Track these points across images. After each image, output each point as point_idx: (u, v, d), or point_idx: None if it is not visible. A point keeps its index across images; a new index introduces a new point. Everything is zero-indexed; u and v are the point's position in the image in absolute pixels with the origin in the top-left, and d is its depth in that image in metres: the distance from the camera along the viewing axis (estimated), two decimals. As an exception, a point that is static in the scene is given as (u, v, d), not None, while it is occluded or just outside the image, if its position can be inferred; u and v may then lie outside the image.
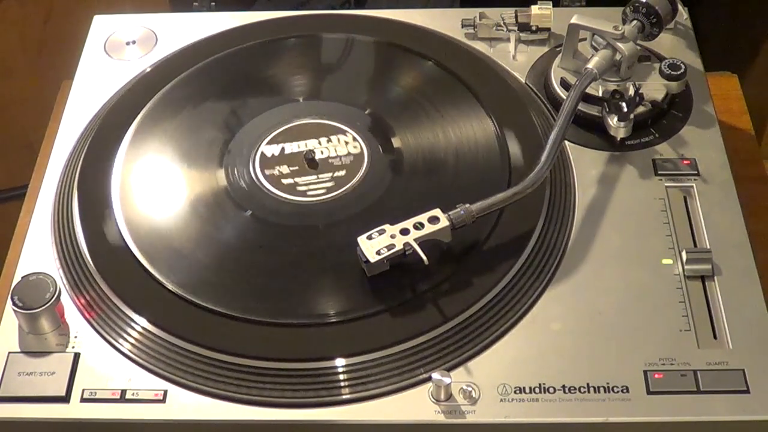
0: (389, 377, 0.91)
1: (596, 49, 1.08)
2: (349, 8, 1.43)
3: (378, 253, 0.94)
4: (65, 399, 0.91)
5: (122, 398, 0.91)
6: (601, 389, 0.90)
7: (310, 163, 1.06)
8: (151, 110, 1.11)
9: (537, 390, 0.90)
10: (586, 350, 0.92)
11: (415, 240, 0.94)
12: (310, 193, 1.03)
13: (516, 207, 0.99)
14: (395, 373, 0.91)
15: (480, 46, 1.17)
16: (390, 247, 0.94)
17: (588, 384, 0.90)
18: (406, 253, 0.94)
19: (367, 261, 0.94)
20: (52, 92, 1.26)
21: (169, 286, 0.96)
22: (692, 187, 1.03)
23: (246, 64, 1.16)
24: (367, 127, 1.09)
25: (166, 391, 0.91)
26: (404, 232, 0.95)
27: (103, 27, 1.22)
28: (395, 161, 1.06)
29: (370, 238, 0.95)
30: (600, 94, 1.07)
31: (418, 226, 0.95)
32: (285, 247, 1.00)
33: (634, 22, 1.09)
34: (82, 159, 1.07)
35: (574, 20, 1.09)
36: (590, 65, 1.06)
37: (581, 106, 1.06)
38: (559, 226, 1.00)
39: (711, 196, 1.02)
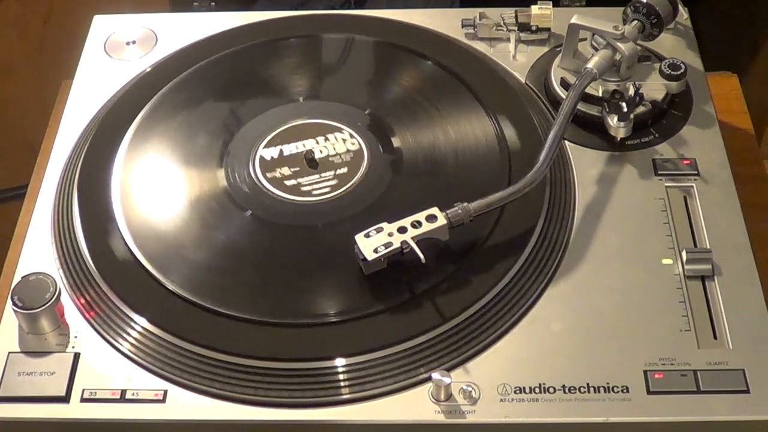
0: (389, 377, 0.91)
1: (596, 49, 1.08)
2: (349, 8, 1.44)
3: (375, 251, 0.94)
4: (65, 399, 0.91)
5: (122, 398, 0.91)
6: (601, 389, 0.90)
7: (310, 163, 1.06)
8: (151, 110, 1.11)
9: (537, 390, 0.90)
10: (586, 350, 0.92)
11: (412, 238, 0.94)
12: (309, 193, 1.03)
13: (516, 207, 0.99)
14: (395, 373, 0.91)
15: (480, 46, 1.17)
16: (387, 245, 0.94)
17: (588, 384, 0.90)
18: (404, 251, 0.94)
19: (365, 259, 0.94)
20: (52, 92, 1.26)
21: (169, 286, 0.96)
22: (692, 187, 1.03)
23: (246, 64, 1.16)
24: (367, 127, 1.09)
25: (166, 391, 0.91)
26: (402, 230, 0.95)
27: (103, 27, 1.22)
28: (395, 161, 1.06)
29: (367, 236, 0.95)
30: (600, 94, 1.07)
31: (416, 224, 0.95)
32: (285, 247, 1.00)
33: (635, 22, 1.09)
34: (82, 159, 1.07)
35: (574, 20, 1.09)
36: (590, 65, 1.06)
37: (581, 106, 1.06)
38: (559, 226, 1.00)
39: (711, 196, 1.02)
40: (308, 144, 1.07)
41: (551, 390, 0.90)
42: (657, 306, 0.95)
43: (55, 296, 0.94)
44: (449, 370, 0.90)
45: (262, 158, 1.06)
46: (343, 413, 0.90)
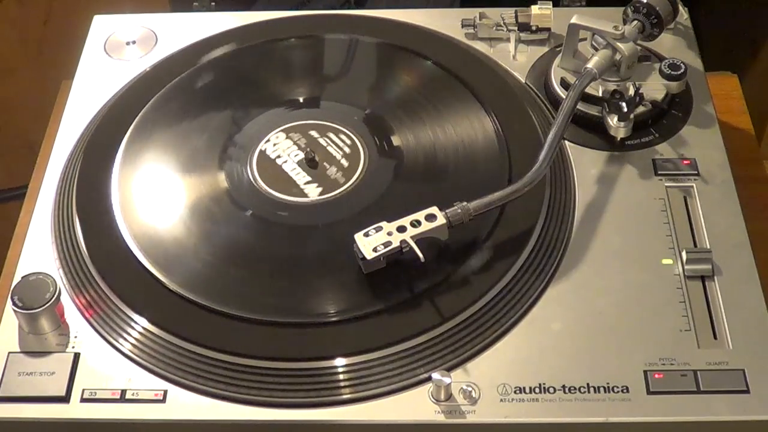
0: (389, 377, 0.91)
1: (596, 49, 1.08)
2: (349, 8, 1.43)
3: (375, 250, 0.94)
4: (65, 399, 0.91)
5: (122, 398, 0.91)
6: (601, 389, 0.90)
7: (310, 163, 1.06)
8: (151, 110, 1.11)
9: (537, 390, 0.90)
10: (586, 350, 0.92)
11: (411, 237, 0.94)
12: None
13: (516, 206, 0.99)
14: (395, 373, 0.91)
15: (480, 46, 1.17)
16: (387, 244, 0.94)
17: (588, 384, 0.90)
18: (403, 250, 0.94)
19: (364, 258, 0.94)
20: (52, 92, 1.26)
21: (169, 286, 0.96)
22: (692, 187, 1.03)
23: (246, 64, 1.16)
24: (367, 127, 1.09)
25: (166, 391, 0.91)
26: (401, 229, 0.95)
27: (103, 27, 1.22)
28: (395, 161, 1.06)
29: (367, 235, 0.95)
30: (600, 94, 1.07)
31: (415, 223, 0.95)
32: (285, 247, 1.00)
33: (635, 22, 1.09)
34: (82, 159, 1.07)
35: (574, 20, 1.09)
36: (590, 65, 1.06)
37: (581, 106, 1.06)
38: (559, 226, 1.00)
39: (711, 196, 1.02)
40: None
41: (551, 390, 0.90)
42: (657, 306, 0.95)
43: (55, 296, 0.94)
44: (449, 370, 0.90)
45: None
46: (343, 413, 0.90)
